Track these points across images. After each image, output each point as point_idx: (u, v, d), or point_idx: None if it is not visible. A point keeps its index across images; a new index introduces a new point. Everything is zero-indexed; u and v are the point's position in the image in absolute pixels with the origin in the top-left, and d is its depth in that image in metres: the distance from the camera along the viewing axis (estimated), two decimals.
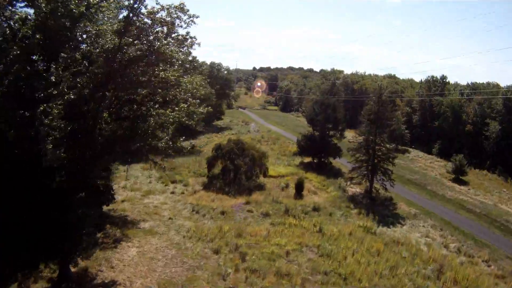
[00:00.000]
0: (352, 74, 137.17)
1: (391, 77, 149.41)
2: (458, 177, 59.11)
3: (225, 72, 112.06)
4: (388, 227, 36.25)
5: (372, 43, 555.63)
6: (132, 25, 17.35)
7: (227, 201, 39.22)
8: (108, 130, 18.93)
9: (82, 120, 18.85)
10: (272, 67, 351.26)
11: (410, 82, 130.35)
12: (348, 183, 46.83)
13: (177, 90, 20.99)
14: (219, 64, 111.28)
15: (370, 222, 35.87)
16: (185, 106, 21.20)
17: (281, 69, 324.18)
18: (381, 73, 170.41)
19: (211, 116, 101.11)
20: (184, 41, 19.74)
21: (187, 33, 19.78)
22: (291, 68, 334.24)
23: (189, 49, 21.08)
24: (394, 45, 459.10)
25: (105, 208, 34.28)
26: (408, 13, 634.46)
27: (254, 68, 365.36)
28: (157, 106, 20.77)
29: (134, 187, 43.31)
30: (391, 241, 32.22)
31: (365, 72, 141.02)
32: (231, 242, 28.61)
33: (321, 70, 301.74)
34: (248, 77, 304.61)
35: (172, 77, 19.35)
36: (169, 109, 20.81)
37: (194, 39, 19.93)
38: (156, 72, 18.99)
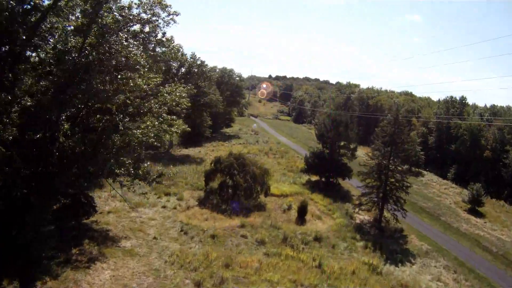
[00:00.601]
0: (367, 89, 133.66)
1: (408, 95, 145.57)
2: (475, 207, 55.08)
3: (237, 78, 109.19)
4: (397, 266, 32.57)
5: (391, 59, 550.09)
6: (95, 22, 14.15)
7: (221, 222, 35.71)
8: (67, 145, 15.69)
9: (42, 130, 15.83)
10: (288, 76, 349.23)
11: (428, 101, 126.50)
12: (357, 209, 43.24)
13: (152, 102, 17.62)
14: (231, 70, 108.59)
15: (377, 260, 32.18)
16: (156, 123, 17.74)
17: (296, 79, 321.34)
18: (398, 89, 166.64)
19: (219, 123, 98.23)
20: (160, 43, 16.64)
21: (164, 33, 17.73)
22: (307, 79, 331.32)
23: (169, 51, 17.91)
24: (412, 63, 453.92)
25: (87, 219, 31.57)
26: (428, 31, 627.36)
27: (270, 76, 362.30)
28: (127, 119, 17.66)
29: (125, 196, 40.23)
30: (398, 285, 28.61)
31: (381, 88, 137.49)
32: (217, 274, 25.20)
33: (337, 83, 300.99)
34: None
35: (145, 86, 16.05)
36: (144, 124, 17.45)
37: (170, 41, 16.90)
38: (125, 80, 15.71)
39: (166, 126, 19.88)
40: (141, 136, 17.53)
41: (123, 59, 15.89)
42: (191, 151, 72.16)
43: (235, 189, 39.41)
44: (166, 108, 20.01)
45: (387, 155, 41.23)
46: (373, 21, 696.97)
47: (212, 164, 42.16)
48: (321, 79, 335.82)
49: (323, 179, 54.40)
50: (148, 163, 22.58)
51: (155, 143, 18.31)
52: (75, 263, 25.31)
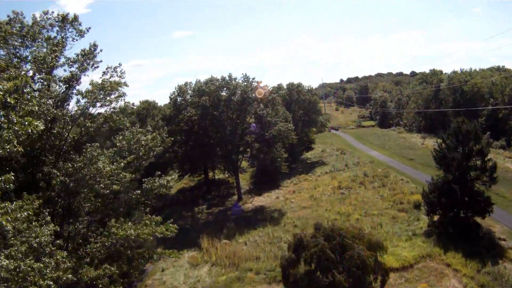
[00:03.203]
0: (457, 73, 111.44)
1: (503, 70, 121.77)
2: None
3: (308, 93, 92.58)
4: None
5: (458, 36, 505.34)
6: None
7: None
8: None
9: None
10: (360, 77, 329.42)
11: None
12: None
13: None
14: (299, 85, 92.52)
15: None
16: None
17: (369, 78, 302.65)
18: (483, 66, 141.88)
19: (297, 151, 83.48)
20: None
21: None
22: (379, 75, 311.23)
23: None
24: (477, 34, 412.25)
25: None
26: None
27: (341, 80, 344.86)
28: None
29: None
30: None
31: (471, 69, 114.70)
32: None
33: (412, 73, 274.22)
34: (336, 90, 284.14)
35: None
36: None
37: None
38: None
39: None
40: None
41: None
42: (266, 198, 58.18)
43: None
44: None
45: None
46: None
47: (291, 250, 27.01)
48: (394, 72, 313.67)
49: (449, 215, 37.36)
50: None
51: None
52: None
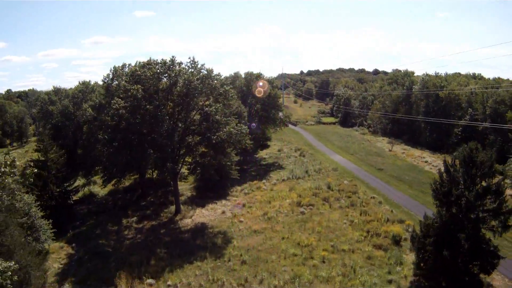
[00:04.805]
0: (431, 76, 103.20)
1: (476, 78, 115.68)
2: None
3: (267, 84, 78.38)
4: None
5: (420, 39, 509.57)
6: None
7: None
8: None
9: None
10: (321, 70, 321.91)
11: None
12: None
13: None
14: (259, 75, 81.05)
15: None
16: None
17: (331, 72, 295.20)
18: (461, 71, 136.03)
19: (250, 151, 72.52)
20: None
21: None
22: (341, 70, 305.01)
23: None
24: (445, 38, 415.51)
25: None
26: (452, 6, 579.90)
27: (302, 72, 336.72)
28: None
29: None
30: None
31: (446, 74, 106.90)
32: None
33: (375, 70, 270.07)
34: (296, 82, 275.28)
35: None
36: None
37: None
38: None
39: None
40: None
41: None
42: (210, 212, 47.67)
43: None
44: None
45: None
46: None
47: None
48: (356, 68, 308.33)
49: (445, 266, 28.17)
50: None
51: None
52: None
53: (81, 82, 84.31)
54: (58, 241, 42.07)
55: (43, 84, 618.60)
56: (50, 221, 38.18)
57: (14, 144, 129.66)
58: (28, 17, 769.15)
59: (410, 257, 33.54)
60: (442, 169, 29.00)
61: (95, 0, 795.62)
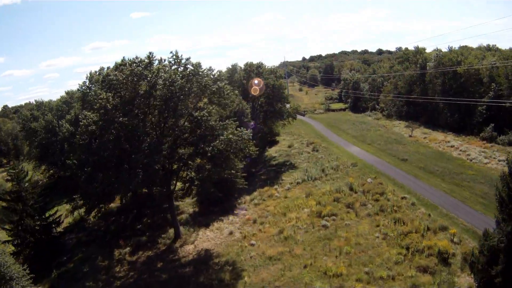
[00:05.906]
0: (445, 52, 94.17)
1: (491, 49, 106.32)
2: None
3: (271, 75, 71.52)
4: None
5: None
6: None
7: None
8: None
9: None
10: (323, 55, 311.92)
11: None
12: None
13: None
14: (260, 65, 73.39)
15: None
16: None
17: (334, 55, 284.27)
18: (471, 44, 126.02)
19: (257, 147, 64.95)
20: None
21: None
22: (344, 53, 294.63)
23: None
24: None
25: None
26: None
27: (304, 59, 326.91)
28: None
29: None
30: None
31: (462, 47, 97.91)
32: None
33: (378, 50, 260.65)
34: (299, 69, 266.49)
35: None
36: None
37: None
38: None
39: None
40: None
41: None
42: (215, 234, 40.54)
43: None
44: None
45: None
46: None
47: None
48: (359, 50, 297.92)
49: None
50: None
51: None
52: None
53: (66, 91, 77.31)
54: (40, 285, 35.43)
55: (47, 95, 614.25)
56: (26, 267, 31.08)
57: (12, 163, 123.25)
58: (24, 29, 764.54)
59: (463, 280, 26.38)
60: (506, 170, 21.60)
61: (90, 5, 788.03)
